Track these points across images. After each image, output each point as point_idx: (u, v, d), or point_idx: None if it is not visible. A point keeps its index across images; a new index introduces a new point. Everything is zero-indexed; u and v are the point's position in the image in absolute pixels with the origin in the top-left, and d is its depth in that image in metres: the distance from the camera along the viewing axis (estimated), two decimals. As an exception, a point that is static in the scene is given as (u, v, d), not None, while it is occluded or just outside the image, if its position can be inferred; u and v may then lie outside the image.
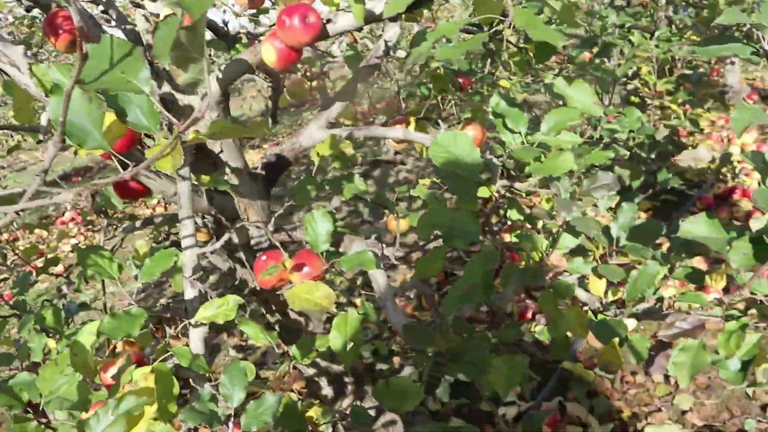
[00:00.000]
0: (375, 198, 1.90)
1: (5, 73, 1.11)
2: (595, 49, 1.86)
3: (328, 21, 1.23)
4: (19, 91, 1.13)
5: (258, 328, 1.10)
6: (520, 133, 1.01)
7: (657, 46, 2.27)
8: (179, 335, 1.09)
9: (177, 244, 1.68)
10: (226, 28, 1.74)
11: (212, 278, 3.70)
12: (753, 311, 1.05)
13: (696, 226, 0.86)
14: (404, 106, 2.33)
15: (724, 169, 3.42)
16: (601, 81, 1.75)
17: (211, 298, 1.08)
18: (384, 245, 1.29)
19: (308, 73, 2.08)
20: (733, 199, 3.21)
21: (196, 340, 1.07)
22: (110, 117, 0.88)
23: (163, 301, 3.64)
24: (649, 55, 2.25)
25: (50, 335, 1.30)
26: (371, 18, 1.22)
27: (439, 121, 1.89)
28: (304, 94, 2.14)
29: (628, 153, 1.94)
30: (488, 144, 1.71)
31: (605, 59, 1.72)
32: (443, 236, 0.91)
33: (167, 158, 0.70)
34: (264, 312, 1.62)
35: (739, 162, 3.64)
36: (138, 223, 1.67)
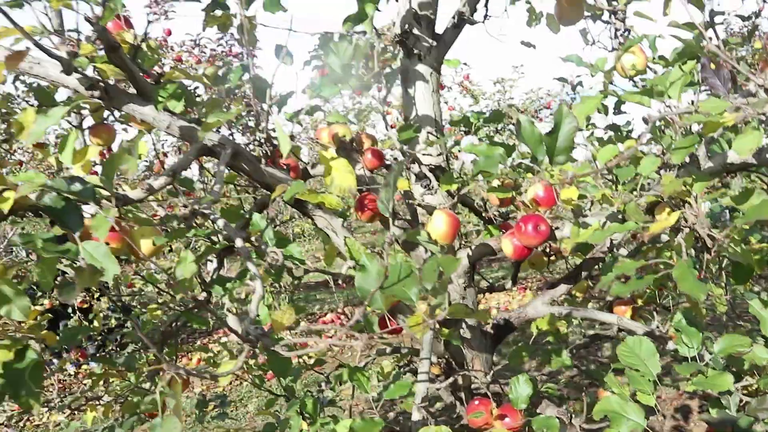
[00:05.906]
0: (587, 371, 2.10)
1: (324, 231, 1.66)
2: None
3: (556, 228, 1.58)
4: (331, 245, 1.68)
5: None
6: (693, 347, 1.23)
7: None
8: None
9: (414, 372, 2.09)
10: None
11: (438, 405, 4.07)
12: None
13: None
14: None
15: None
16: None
17: (430, 424, 1.43)
18: (573, 415, 1.52)
19: (549, 249, 2.42)
20: None
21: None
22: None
23: (391, 414, 4.11)
24: None
25: (305, 419, 1.73)
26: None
27: (654, 312, 2.06)
28: (542, 265, 2.47)
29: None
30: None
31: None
32: None
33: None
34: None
35: None
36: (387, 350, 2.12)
